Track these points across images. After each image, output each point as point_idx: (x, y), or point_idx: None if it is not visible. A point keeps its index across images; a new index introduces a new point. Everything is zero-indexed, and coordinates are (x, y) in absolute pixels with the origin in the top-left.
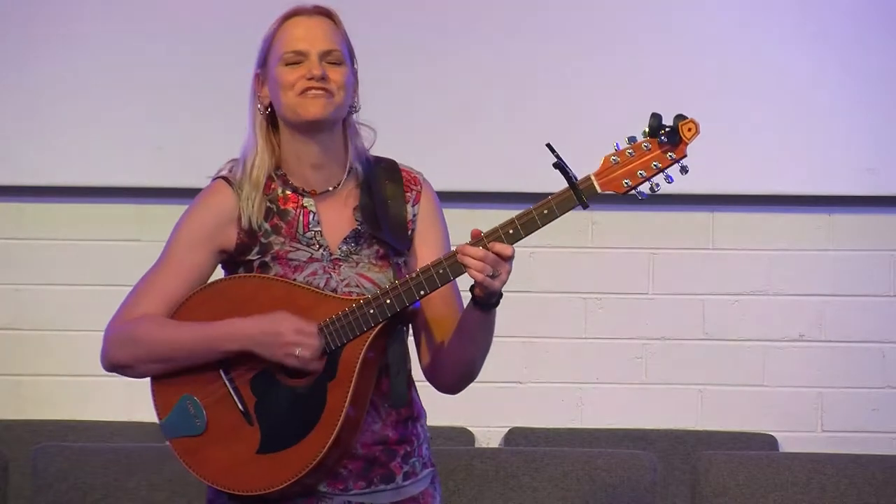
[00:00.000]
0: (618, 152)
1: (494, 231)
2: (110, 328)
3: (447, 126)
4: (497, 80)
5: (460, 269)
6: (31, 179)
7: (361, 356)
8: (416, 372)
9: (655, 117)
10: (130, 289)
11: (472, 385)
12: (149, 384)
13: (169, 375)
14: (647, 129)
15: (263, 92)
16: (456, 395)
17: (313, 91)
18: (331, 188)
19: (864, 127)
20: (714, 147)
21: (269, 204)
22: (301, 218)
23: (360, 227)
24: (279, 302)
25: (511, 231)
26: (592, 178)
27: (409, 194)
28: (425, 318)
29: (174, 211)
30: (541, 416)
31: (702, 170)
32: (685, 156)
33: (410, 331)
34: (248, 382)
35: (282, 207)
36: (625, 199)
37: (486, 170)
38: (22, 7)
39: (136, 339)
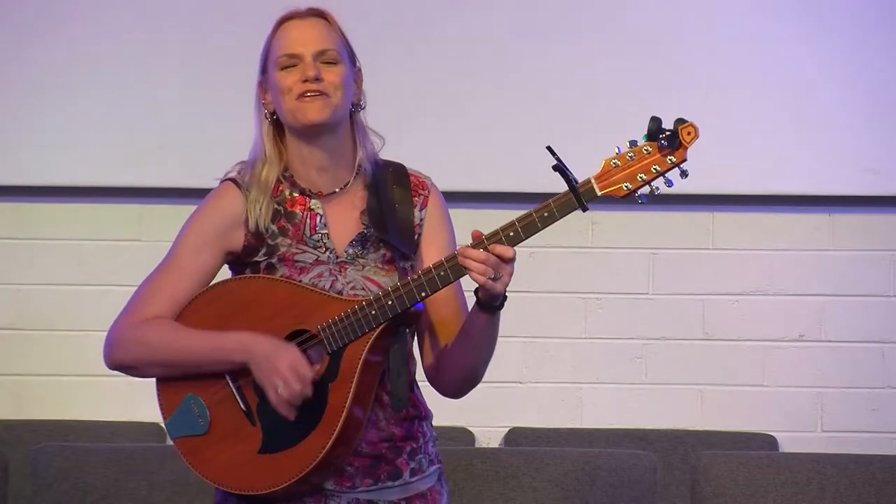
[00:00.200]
0: (618, 156)
1: (495, 233)
2: (117, 328)
3: (449, 126)
4: (499, 81)
5: (461, 271)
6: (31, 179)
7: (363, 357)
8: (421, 373)
9: (655, 121)
10: (132, 289)
11: None
12: (153, 385)
13: (174, 377)
14: (647, 133)
15: (267, 98)
16: None
17: (309, 94)
18: (337, 189)
19: (865, 127)
20: (714, 147)
21: (276, 206)
22: (308, 220)
23: (366, 231)
24: (284, 303)
25: (511, 233)
26: (592, 181)
27: (416, 198)
28: (429, 320)
29: (175, 211)
30: (541, 416)
31: (702, 170)
32: (685, 160)
33: (415, 334)
34: (251, 383)
35: (289, 210)
36: (625, 201)
37: (488, 170)
38: (22, 7)
39: (144, 342)
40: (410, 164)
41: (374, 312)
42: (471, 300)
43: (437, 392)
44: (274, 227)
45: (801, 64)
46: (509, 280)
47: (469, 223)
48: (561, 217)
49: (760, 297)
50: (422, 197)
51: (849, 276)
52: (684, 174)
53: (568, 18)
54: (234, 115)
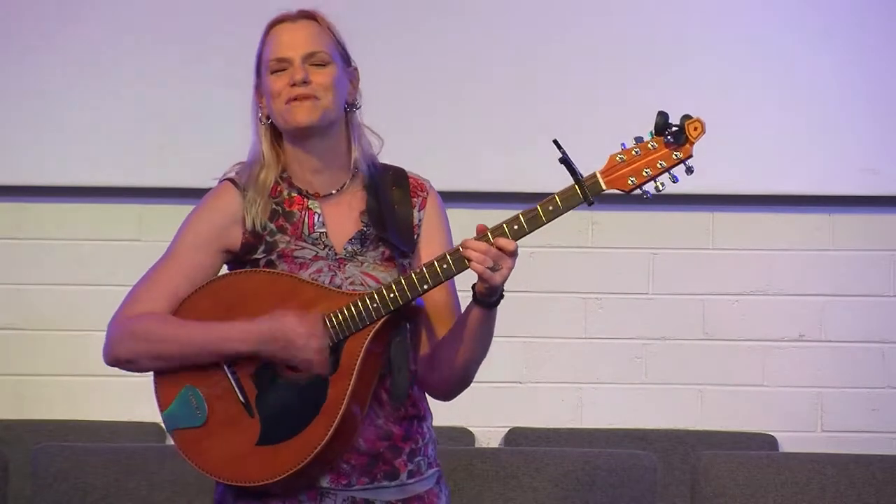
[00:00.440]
0: (624, 151)
1: (499, 226)
2: (114, 323)
3: (449, 126)
4: (499, 81)
5: (464, 263)
6: (31, 179)
7: (364, 349)
8: None
9: (662, 115)
10: (133, 285)
11: (472, 385)
12: (151, 377)
13: (172, 369)
14: (653, 129)
15: (263, 103)
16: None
17: (298, 98)
18: (335, 191)
19: (865, 127)
20: (714, 147)
21: (274, 206)
22: (306, 219)
23: (366, 229)
24: (284, 296)
25: (516, 227)
26: (598, 175)
27: (415, 199)
28: (422, 321)
29: (175, 211)
30: (541, 416)
31: (702, 170)
32: (691, 156)
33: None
34: (250, 374)
35: (287, 209)
36: (627, 198)
37: (488, 170)
38: (22, 7)
39: (140, 335)
40: (410, 163)
41: (375, 305)
42: (466, 301)
43: (427, 394)
44: (272, 226)
45: (802, 64)
46: (508, 274)
47: (469, 223)
48: (566, 211)
49: (760, 297)
50: (420, 198)
51: (849, 276)
52: (690, 171)
53: (568, 18)
54: (234, 116)
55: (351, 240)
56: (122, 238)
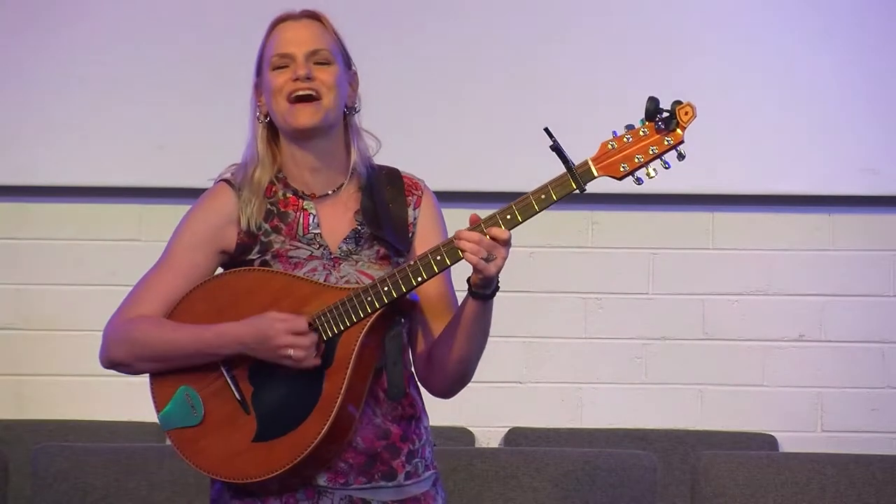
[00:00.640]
0: (615, 138)
1: (492, 216)
2: (110, 326)
3: (448, 126)
4: (499, 81)
5: (457, 255)
6: (31, 179)
7: (358, 342)
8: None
9: (653, 101)
10: (131, 288)
11: (471, 385)
12: (148, 378)
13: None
14: (644, 115)
15: (261, 101)
16: (456, 395)
17: (301, 100)
18: (331, 192)
19: (865, 127)
20: (714, 147)
21: (269, 206)
22: (301, 220)
23: (360, 228)
24: (279, 293)
25: (508, 216)
26: (590, 162)
27: (410, 198)
28: (420, 317)
29: (175, 211)
30: (541, 416)
31: (702, 170)
32: (682, 141)
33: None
34: (246, 372)
35: (282, 210)
36: (627, 198)
37: (488, 170)
38: (22, 7)
39: (134, 338)
40: (410, 163)
41: (369, 298)
42: (462, 296)
43: (428, 392)
44: (267, 226)
45: (802, 64)
46: (503, 264)
47: (466, 223)
48: (558, 199)
49: (760, 297)
50: (415, 197)
51: (849, 276)
52: (681, 156)
53: (568, 18)
54: (234, 116)
55: (346, 239)
56: (122, 238)
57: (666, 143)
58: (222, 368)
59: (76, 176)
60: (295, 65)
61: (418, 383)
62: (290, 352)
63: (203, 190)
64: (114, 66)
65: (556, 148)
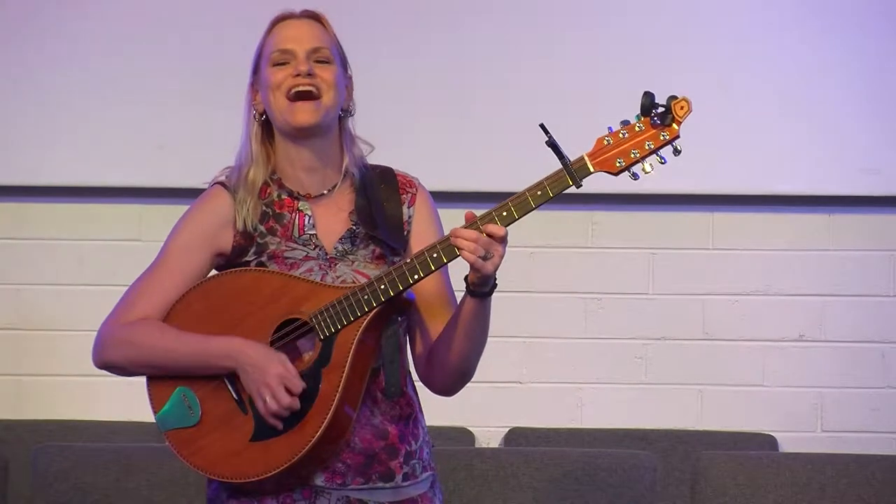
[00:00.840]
0: (611, 134)
1: (488, 214)
2: (106, 327)
3: (448, 126)
4: (498, 81)
5: (454, 252)
6: (31, 179)
7: (355, 341)
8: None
9: (648, 96)
10: (126, 289)
11: (471, 385)
12: (145, 379)
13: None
14: (640, 110)
15: (257, 99)
16: (456, 395)
17: (301, 97)
18: (326, 191)
19: (865, 127)
20: (714, 147)
21: (264, 208)
22: (296, 221)
23: (355, 228)
24: (276, 293)
25: (505, 213)
26: (585, 157)
27: (404, 196)
28: (419, 316)
29: (175, 211)
30: (541, 416)
31: (702, 170)
32: (678, 136)
33: (406, 332)
34: None
35: (277, 211)
36: (627, 198)
37: (488, 170)
38: (22, 7)
39: (133, 342)
40: (409, 163)
41: (366, 297)
42: (461, 295)
43: (430, 391)
44: (262, 228)
45: (802, 64)
46: (500, 261)
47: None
48: (554, 195)
49: (760, 298)
50: (409, 195)
51: (849, 276)
52: (677, 151)
53: (568, 18)
54: (233, 116)
55: (341, 239)
56: (122, 238)
57: (662, 137)
58: None
59: (76, 176)
60: (296, 61)
61: (415, 382)
62: (268, 397)
63: (203, 190)
64: (114, 66)
65: (552, 144)
